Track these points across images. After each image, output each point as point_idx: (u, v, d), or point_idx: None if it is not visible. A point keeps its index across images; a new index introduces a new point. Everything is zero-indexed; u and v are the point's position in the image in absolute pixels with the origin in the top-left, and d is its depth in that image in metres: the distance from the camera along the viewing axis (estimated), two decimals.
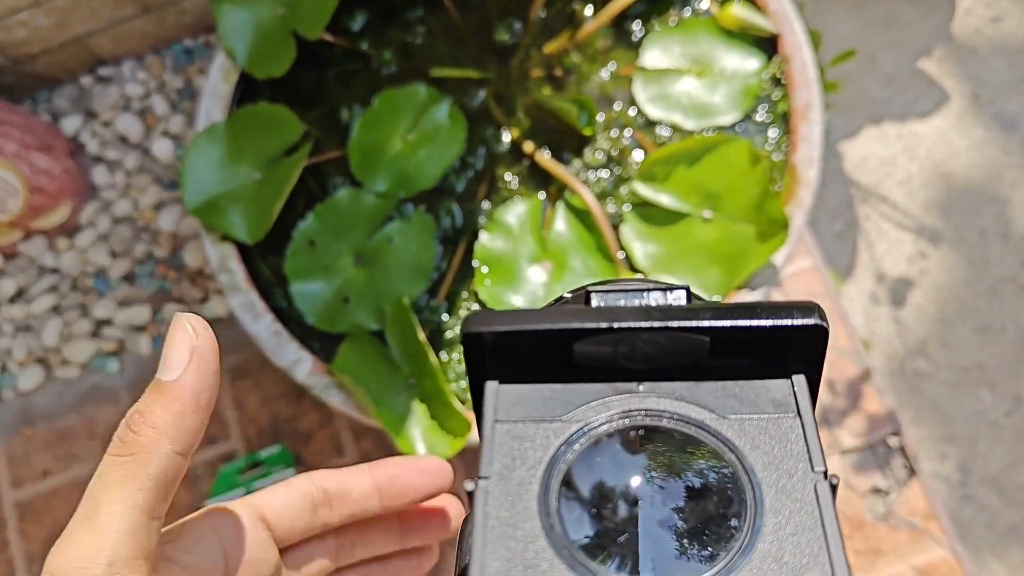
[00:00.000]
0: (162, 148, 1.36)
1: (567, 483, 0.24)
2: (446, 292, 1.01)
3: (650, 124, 1.04)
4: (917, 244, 1.41)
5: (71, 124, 1.38)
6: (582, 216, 1.00)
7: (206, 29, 1.41)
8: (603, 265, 0.98)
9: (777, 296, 1.28)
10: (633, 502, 0.23)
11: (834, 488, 0.23)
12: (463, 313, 1.00)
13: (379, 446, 1.24)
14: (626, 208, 1.01)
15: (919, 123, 1.46)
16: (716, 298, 0.95)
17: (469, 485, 0.24)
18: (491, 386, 0.26)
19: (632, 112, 1.05)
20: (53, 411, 1.30)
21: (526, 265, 1.00)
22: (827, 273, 1.30)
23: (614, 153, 1.03)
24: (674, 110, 1.04)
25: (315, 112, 1.08)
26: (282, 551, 0.33)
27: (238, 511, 0.31)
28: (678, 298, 0.26)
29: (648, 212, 0.99)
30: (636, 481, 0.24)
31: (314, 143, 1.05)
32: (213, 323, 1.28)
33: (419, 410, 0.94)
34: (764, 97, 1.03)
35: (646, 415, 0.25)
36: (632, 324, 0.25)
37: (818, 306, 0.25)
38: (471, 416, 0.92)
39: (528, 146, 1.04)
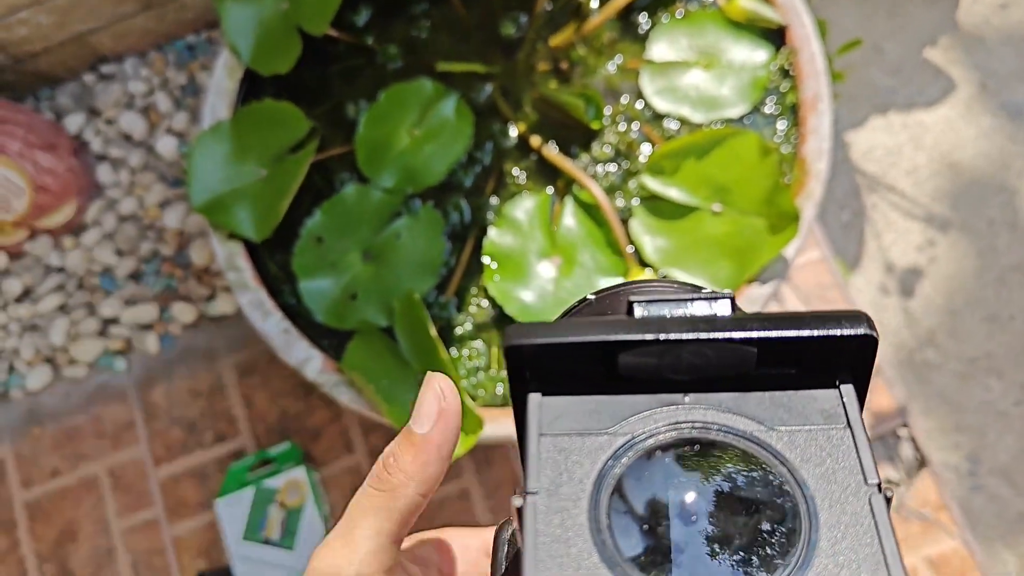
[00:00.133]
0: (166, 145, 1.35)
1: (617, 498, 0.23)
2: (455, 288, 1.00)
3: (658, 117, 1.04)
4: (925, 234, 1.40)
5: (74, 122, 1.37)
6: (591, 211, 0.99)
7: (208, 25, 1.41)
8: (613, 260, 0.98)
9: (786, 289, 1.28)
10: (686, 517, 0.23)
11: (888, 500, 0.23)
12: (472, 309, 1.00)
13: (388, 442, 1.24)
14: (635, 202, 1.00)
15: (925, 112, 1.45)
16: (706, 287, 0.94)
17: (517, 501, 0.24)
18: (534, 399, 0.26)
19: (639, 105, 1.04)
20: (61, 410, 1.29)
21: (535, 260, 0.99)
22: (835, 264, 1.30)
23: (622, 147, 1.03)
24: (682, 103, 1.03)
25: (320, 108, 1.08)
26: None
27: (468, 539, 0.37)
28: (723, 307, 0.26)
29: (657, 206, 0.99)
30: (688, 496, 0.23)
31: (320, 139, 1.04)
32: (219, 320, 1.28)
33: None
34: (772, 89, 1.03)
35: (693, 427, 0.25)
36: (679, 336, 0.24)
37: (866, 315, 0.24)
38: (483, 413, 0.91)
39: (535, 140, 1.03)
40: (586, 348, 0.25)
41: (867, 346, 0.25)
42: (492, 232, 1.00)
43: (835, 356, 0.25)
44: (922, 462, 1.26)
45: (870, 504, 0.23)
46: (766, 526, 0.23)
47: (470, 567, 0.37)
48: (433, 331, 0.91)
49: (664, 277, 0.96)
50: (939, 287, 1.38)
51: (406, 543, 0.36)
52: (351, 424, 1.25)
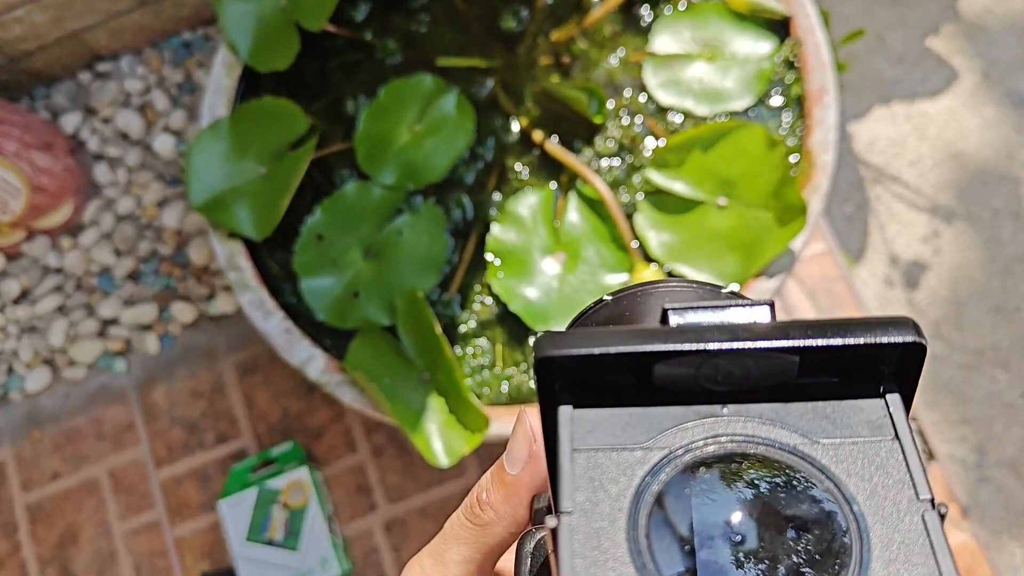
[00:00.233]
0: (164, 144, 1.34)
1: (656, 517, 0.22)
2: (458, 285, 0.99)
3: (661, 110, 1.03)
4: (929, 225, 1.39)
5: (70, 121, 1.36)
6: (595, 206, 0.98)
7: (204, 22, 1.39)
8: (617, 255, 0.97)
9: (791, 283, 1.27)
10: (730, 537, 0.22)
11: (942, 517, 0.22)
12: (476, 307, 0.99)
13: (391, 441, 1.23)
14: (639, 197, 0.99)
15: (929, 102, 1.44)
16: (734, 286, 0.93)
17: (552, 521, 0.22)
18: (565, 412, 0.24)
19: (643, 99, 1.03)
20: (60, 412, 1.28)
21: (539, 256, 0.98)
22: (841, 257, 1.29)
23: (625, 141, 1.02)
24: (686, 96, 1.02)
25: (319, 104, 1.06)
26: None
27: None
28: (762, 314, 0.24)
29: (662, 200, 0.98)
30: (732, 514, 0.22)
31: (319, 136, 1.03)
32: (219, 320, 1.27)
33: (435, 405, 0.93)
34: (777, 81, 1.01)
35: (733, 440, 0.23)
36: (719, 345, 0.23)
37: (913, 321, 0.23)
38: (489, 412, 0.90)
39: (538, 135, 1.02)
40: (622, 359, 0.24)
41: (915, 354, 0.23)
42: (495, 228, 0.99)
43: (880, 364, 0.24)
44: (929, 455, 1.25)
45: (923, 521, 0.22)
46: (816, 546, 0.21)
47: None
48: (438, 329, 0.90)
49: (670, 274, 0.95)
50: (944, 278, 1.37)
51: None
52: (354, 423, 1.24)
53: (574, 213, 0.99)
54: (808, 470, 0.23)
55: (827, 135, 0.96)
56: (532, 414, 0.31)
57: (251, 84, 1.07)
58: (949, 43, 1.47)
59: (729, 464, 0.23)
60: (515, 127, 1.04)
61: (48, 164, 1.26)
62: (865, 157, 1.42)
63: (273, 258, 1.02)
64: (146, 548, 1.23)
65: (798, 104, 1.00)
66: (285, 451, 1.20)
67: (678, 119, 1.02)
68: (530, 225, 0.99)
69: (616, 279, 0.96)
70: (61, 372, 1.29)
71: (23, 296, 1.32)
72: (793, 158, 0.98)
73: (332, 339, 0.99)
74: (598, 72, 1.05)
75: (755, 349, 0.23)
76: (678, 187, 0.96)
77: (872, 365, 0.24)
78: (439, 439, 0.92)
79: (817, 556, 0.21)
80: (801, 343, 0.23)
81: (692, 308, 0.24)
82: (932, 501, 0.22)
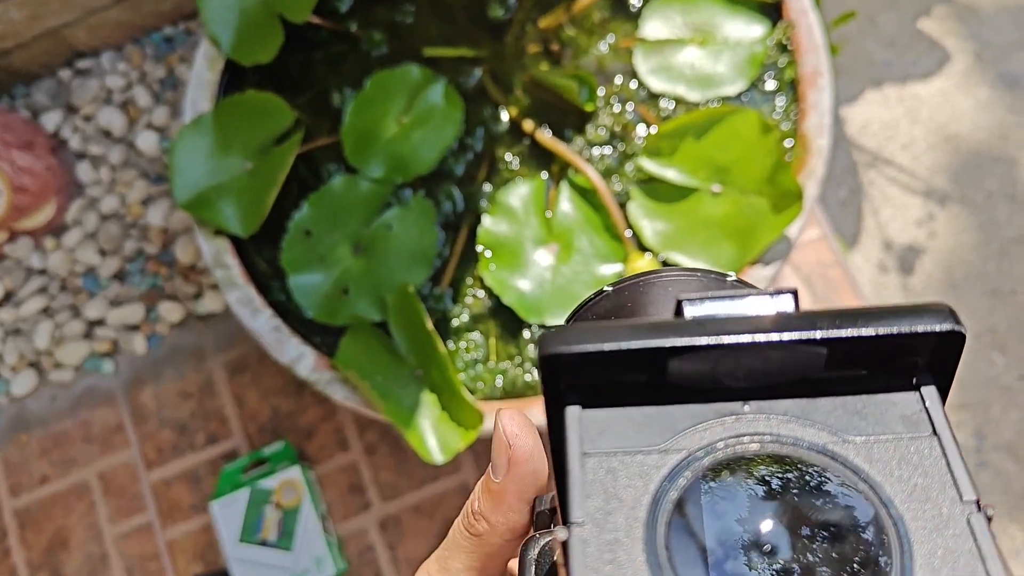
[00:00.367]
0: (147, 141, 1.31)
1: (676, 526, 0.20)
2: (450, 279, 0.98)
3: (653, 97, 1.01)
4: (923, 209, 1.38)
5: (51, 120, 1.33)
6: (587, 195, 0.97)
7: (185, 16, 1.37)
8: (611, 245, 0.95)
9: (787, 269, 1.25)
10: (760, 548, 0.20)
11: (989, 520, 0.20)
12: (468, 300, 0.97)
13: (384, 439, 1.21)
14: (632, 185, 0.98)
15: (921, 85, 1.43)
16: (731, 274, 0.91)
17: (562, 533, 0.21)
18: (573, 412, 0.22)
19: (633, 85, 1.01)
20: (48, 415, 1.26)
21: (531, 248, 0.96)
22: (836, 243, 1.27)
23: (617, 129, 1.00)
24: (677, 82, 1.00)
25: (304, 97, 1.04)
26: None
27: None
28: (786, 303, 0.22)
29: (655, 188, 0.96)
30: (760, 522, 0.20)
31: (305, 130, 1.01)
32: (208, 319, 1.25)
33: (428, 402, 0.91)
34: (770, 65, 1.00)
35: (756, 440, 0.22)
36: (741, 339, 0.21)
37: (950, 308, 0.21)
38: (483, 407, 0.89)
39: (528, 125, 1.01)
40: (635, 355, 0.22)
41: (953, 343, 0.22)
42: (486, 220, 0.98)
43: (914, 354, 0.22)
44: None
45: (969, 525, 0.20)
46: (853, 555, 0.20)
47: None
48: (430, 324, 0.88)
49: (665, 263, 0.93)
50: (939, 262, 1.36)
51: None
52: (345, 421, 1.23)
53: (566, 203, 0.97)
54: (840, 471, 0.21)
55: (822, 119, 0.95)
56: (507, 417, 0.30)
57: (234, 78, 1.05)
58: (941, 25, 1.45)
59: (754, 466, 0.21)
60: (504, 117, 1.02)
61: (29, 163, 1.23)
62: (858, 141, 1.41)
63: (260, 255, 1.00)
64: (138, 551, 1.21)
65: (792, 88, 0.99)
66: (277, 451, 1.19)
67: (670, 105, 1.00)
68: (522, 216, 0.97)
69: (610, 269, 0.95)
70: (47, 375, 1.27)
71: (7, 298, 1.29)
72: (787, 143, 0.96)
73: (322, 336, 0.97)
74: (588, 59, 1.03)
75: (781, 342, 0.21)
76: (671, 175, 0.95)
77: (905, 356, 0.22)
78: (433, 435, 0.90)
79: (855, 566, 0.19)
80: (830, 334, 0.21)
81: (709, 298, 0.22)
82: (978, 503, 0.20)
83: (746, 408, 0.22)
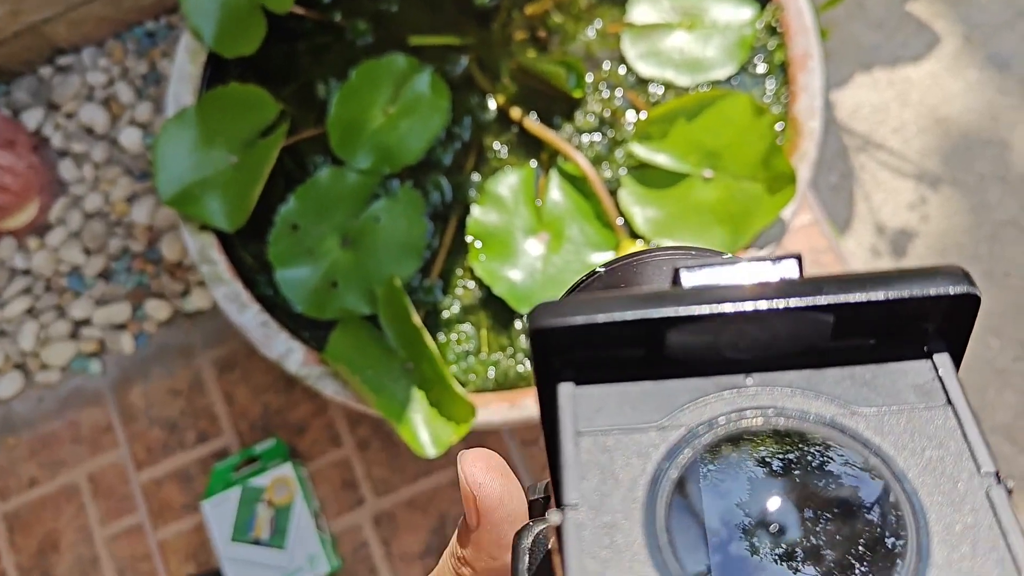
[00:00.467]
0: (130, 137, 1.30)
1: (677, 507, 0.19)
2: (439, 270, 0.96)
3: (642, 82, 1.00)
4: (915, 192, 1.37)
5: (33, 118, 1.32)
6: (577, 183, 0.95)
7: (167, 10, 1.35)
8: (602, 233, 0.94)
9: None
10: (766, 528, 0.19)
11: (1010, 492, 0.19)
12: (459, 291, 0.96)
13: (376, 434, 1.20)
14: (623, 172, 0.96)
15: (911, 68, 1.42)
16: (726, 253, 0.90)
17: (555, 516, 0.19)
18: (565, 389, 0.21)
19: (622, 71, 1.00)
20: (35, 417, 1.25)
21: (522, 237, 0.95)
22: (828, 228, 1.27)
23: (606, 115, 0.99)
24: (666, 66, 0.99)
25: (289, 89, 1.03)
26: None
27: None
28: (790, 268, 0.21)
29: (646, 175, 0.95)
30: (766, 500, 0.19)
31: (290, 122, 1.00)
32: (195, 316, 1.23)
33: (419, 396, 0.90)
34: (760, 47, 0.99)
35: (760, 414, 0.20)
36: (744, 307, 0.20)
37: (963, 270, 0.20)
38: (475, 399, 0.88)
39: (516, 112, 0.99)
40: (631, 327, 0.20)
41: (966, 307, 0.20)
42: (475, 210, 0.96)
43: (925, 320, 0.21)
44: None
45: (988, 498, 0.19)
46: (865, 533, 0.19)
47: None
48: (416, 319, 0.87)
49: (658, 246, 0.92)
50: (932, 246, 1.35)
51: None
52: (337, 416, 1.21)
53: (556, 191, 0.96)
54: (850, 444, 0.20)
55: (813, 101, 0.94)
56: (468, 462, 0.28)
57: (217, 71, 1.03)
58: (930, 7, 1.44)
59: (758, 442, 0.20)
60: (492, 105, 1.01)
61: (10, 162, 1.22)
62: (848, 125, 1.40)
63: (247, 250, 0.99)
64: (129, 552, 1.19)
65: (782, 70, 0.98)
66: (268, 448, 1.17)
67: (659, 91, 0.99)
68: (511, 205, 0.96)
69: (601, 257, 0.93)
70: (34, 376, 1.26)
71: None
72: (778, 126, 0.95)
73: (311, 331, 0.96)
74: (575, 45, 1.02)
75: (786, 309, 0.20)
76: (662, 160, 0.94)
77: (916, 322, 0.21)
78: (425, 429, 0.89)
79: (868, 544, 0.18)
80: (837, 299, 0.20)
81: (708, 266, 0.21)
82: (997, 475, 0.19)
83: (749, 381, 0.21)
